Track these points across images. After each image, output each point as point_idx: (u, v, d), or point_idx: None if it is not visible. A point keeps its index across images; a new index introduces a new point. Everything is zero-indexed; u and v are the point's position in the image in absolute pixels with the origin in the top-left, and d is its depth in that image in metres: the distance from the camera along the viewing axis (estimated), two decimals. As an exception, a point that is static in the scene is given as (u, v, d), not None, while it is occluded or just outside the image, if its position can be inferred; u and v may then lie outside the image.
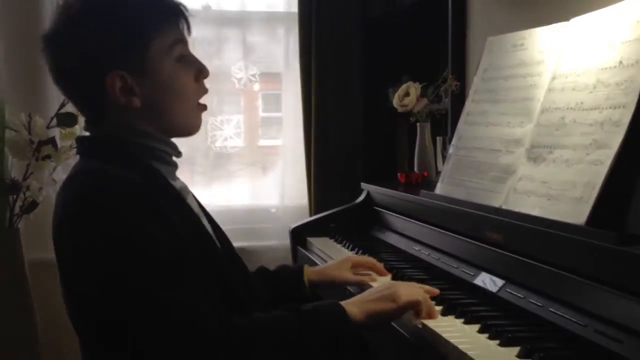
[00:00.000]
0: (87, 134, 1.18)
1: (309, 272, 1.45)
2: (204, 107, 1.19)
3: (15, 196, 2.27)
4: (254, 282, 1.29)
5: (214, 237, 1.20)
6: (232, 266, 1.20)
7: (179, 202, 1.15)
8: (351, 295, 1.25)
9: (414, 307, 1.15)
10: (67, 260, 1.05)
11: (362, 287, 1.43)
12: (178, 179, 1.22)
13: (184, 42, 1.15)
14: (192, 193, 1.25)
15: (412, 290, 1.17)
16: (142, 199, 1.03)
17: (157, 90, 1.11)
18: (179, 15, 1.14)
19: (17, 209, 2.28)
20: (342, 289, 1.49)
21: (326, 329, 1.05)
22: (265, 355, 1.01)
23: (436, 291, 1.27)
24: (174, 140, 1.20)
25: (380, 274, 1.50)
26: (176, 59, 1.13)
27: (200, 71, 1.17)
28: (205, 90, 1.19)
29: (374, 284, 1.41)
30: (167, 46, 1.11)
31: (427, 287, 1.27)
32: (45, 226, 2.49)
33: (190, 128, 1.19)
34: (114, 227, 0.99)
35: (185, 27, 1.16)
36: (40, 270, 2.46)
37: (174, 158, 1.20)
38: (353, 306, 1.10)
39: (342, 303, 1.10)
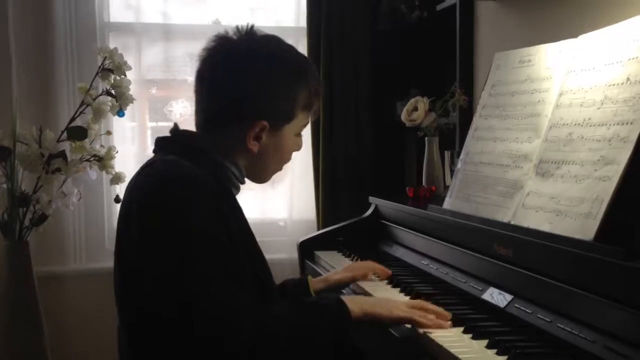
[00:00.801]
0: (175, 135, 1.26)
1: (313, 281, 1.54)
2: (277, 172, 1.35)
3: (25, 209, 2.29)
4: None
5: (259, 247, 1.29)
6: (270, 278, 1.28)
7: (239, 212, 1.24)
8: (340, 294, 1.38)
9: (408, 322, 1.21)
10: (130, 240, 1.10)
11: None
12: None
13: (311, 120, 1.34)
14: None
15: (411, 307, 1.23)
16: (211, 198, 1.11)
17: (273, 150, 1.26)
18: (317, 103, 1.30)
19: (26, 222, 2.30)
20: (340, 295, 1.54)
21: (327, 317, 1.14)
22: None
23: (447, 315, 1.26)
24: None
25: (382, 273, 1.62)
26: (297, 134, 1.30)
27: (298, 149, 1.33)
28: (288, 162, 1.34)
29: (369, 289, 1.48)
30: (301, 125, 1.29)
31: (435, 308, 1.26)
32: (54, 239, 2.54)
33: (263, 181, 1.34)
34: (179, 218, 1.06)
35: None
36: (49, 282, 2.48)
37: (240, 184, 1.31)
38: (354, 304, 1.18)
39: (344, 298, 1.20)
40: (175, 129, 1.27)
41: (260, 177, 1.32)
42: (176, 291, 1.02)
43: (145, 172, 1.16)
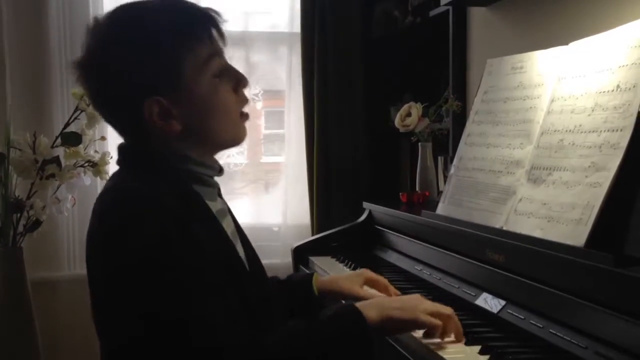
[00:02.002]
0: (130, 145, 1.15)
1: (318, 280, 1.44)
2: (246, 117, 1.16)
3: (18, 215, 2.29)
4: (277, 303, 1.29)
5: (244, 259, 1.17)
6: (256, 288, 1.17)
7: (214, 224, 1.12)
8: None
9: (431, 328, 1.13)
10: (97, 278, 1.05)
11: None
12: (219, 198, 1.21)
13: (218, 54, 1.10)
14: (231, 214, 1.24)
15: (434, 310, 1.13)
16: (173, 222, 1.00)
17: (197, 110, 1.08)
18: (210, 25, 1.08)
19: (20, 228, 2.30)
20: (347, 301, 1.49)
21: (342, 329, 1.04)
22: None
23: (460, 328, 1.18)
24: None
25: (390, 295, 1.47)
26: (213, 75, 1.09)
27: (239, 81, 1.13)
28: (246, 100, 1.15)
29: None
30: (201, 63, 1.07)
31: (450, 314, 1.18)
32: (48, 245, 2.54)
33: (236, 140, 1.16)
34: (141, 250, 0.97)
35: (218, 36, 1.10)
36: (43, 289, 2.48)
37: (215, 178, 1.18)
38: (372, 310, 1.07)
39: (360, 304, 1.09)
40: (126, 145, 1.15)
41: (223, 140, 1.14)
42: (160, 324, 0.95)
43: (103, 196, 1.07)
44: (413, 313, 1.11)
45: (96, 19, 1.10)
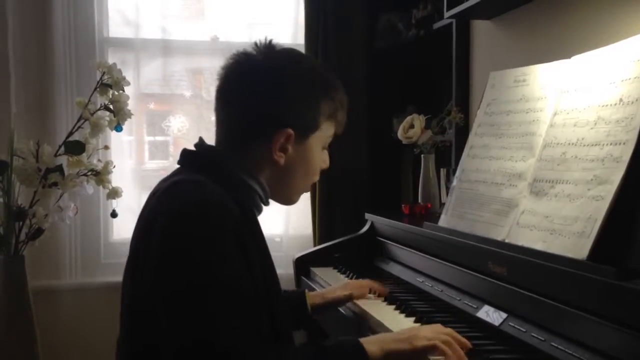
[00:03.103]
0: (199, 150, 1.23)
1: (310, 296, 1.55)
2: (308, 190, 1.33)
3: (21, 223, 2.29)
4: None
5: (278, 279, 1.24)
6: (282, 303, 1.24)
7: (261, 240, 1.20)
8: (337, 312, 1.28)
9: (431, 352, 1.14)
10: (147, 259, 1.06)
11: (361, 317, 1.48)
12: None
13: (337, 134, 1.29)
14: None
15: (433, 335, 1.16)
16: (236, 232, 1.07)
17: (300, 163, 1.23)
18: (344, 110, 1.28)
19: (22, 236, 2.30)
20: (337, 312, 1.58)
21: None
22: None
23: (467, 343, 1.19)
24: None
25: (380, 291, 1.62)
26: (324, 146, 1.27)
27: (324, 162, 1.30)
28: (316, 180, 1.31)
29: (388, 326, 1.40)
30: (328, 134, 1.26)
31: (457, 335, 1.19)
32: (50, 253, 2.54)
33: (290, 201, 1.30)
34: (201, 251, 1.02)
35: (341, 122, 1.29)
36: (44, 297, 2.48)
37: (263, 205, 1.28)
38: (373, 345, 1.12)
39: (362, 340, 1.13)
40: (201, 144, 1.24)
41: (287, 195, 1.28)
42: (191, 331, 0.98)
43: (171, 192, 1.10)
44: (410, 343, 1.14)
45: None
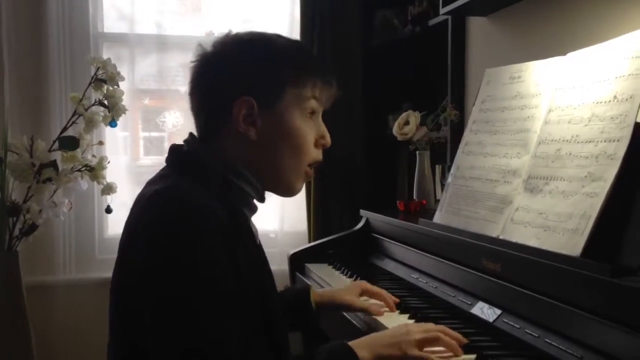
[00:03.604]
0: (185, 147, 1.18)
1: (315, 294, 1.47)
2: (310, 174, 1.20)
3: (15, 218, 2.28)
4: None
5: (274, 282, 1.19)
6: (280, 311, 1.19)
7: (254, 247, 1.15)
8: (350, 324, 1.21)
9: (425, 358, 1.13)
10: (132, 272, 1.04)
11: (367, 314, 1.44)
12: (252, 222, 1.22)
13: (320, 103, 1.18)
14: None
15: (425, 337, 1.14)
16: (223, 237, 1.02)
17: (277, 132, 1.13)
18: (322, 77, 1.18)
19: (16, 231, 2.29)
20: (341, 316, 1.50)
21: None
22: None
23: (462, 339, 1.18)
24: None
25: (388, 305, 1.48)
26: (306, 112, 1.15)
27: (323, 137, 1.19)
28: (319, 158, 1.20)
29: (383, 322, 1.39)
30: (301, 98, 1.14)
31: (450, 331, 1.19)
32: (44, 249, 2.53)
33: (291, 188, 1.19)
34: (186, 256, 0.98)
35: (326, 93, 1.19)
36: (38, 293, 2.47)
37: (257, 202, 1.20)
38: (364, 350, 1.09)
39: (353, 344, 1.10)
40: (189, 140, 1.19)
41: (283, 179, 1.16)
42: (172, 336, 0.96)
43: (154, 201, 1.05)
44: (401, 348, 1.11)
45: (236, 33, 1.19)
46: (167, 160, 1.18)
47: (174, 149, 1.19)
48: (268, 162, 1.15)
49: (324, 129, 1.20)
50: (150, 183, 1.13)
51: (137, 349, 1.04)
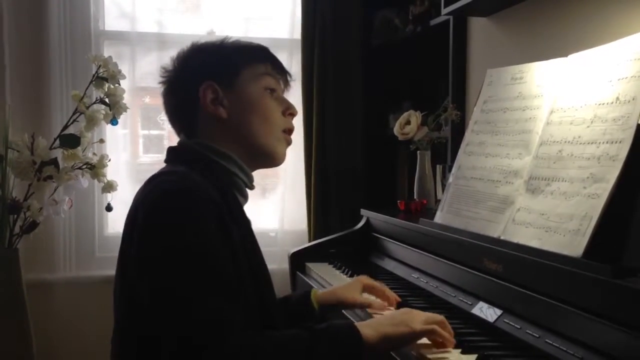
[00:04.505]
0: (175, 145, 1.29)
1: (317, 295, 1.48)
2: (289, 139, 1.31)
3: (15, 216, 2.28)
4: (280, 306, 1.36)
5: (266, 264, 1.26)
6: (271, 292, 1.26)
7: (246, 227, 1.22)
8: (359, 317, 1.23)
9: (429, 335, 1.15)
10: (131, 263, 1.09)
11: (367, 309, 1.45)
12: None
13: (274, 79, 1.29)
14: None
15: (427, 319, 1.16)
16: (214, 214, 1.08)
17: (243, 107, 1.25)
18: (270, 59, 1.30)
19: (17, 229, 2.29)
20: (350, 311, 1.50)
21: (339, 349, 1.05)
22: None
23: (450, 335, 1.19)
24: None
25: (390, 302, 1.49)
26: (264, 87, 1.27)
27: (288, 107, 1.31)
28: (290, 125, 1.31)
29: (368, 309, 1.41)
30: (256, 74, 1.27)
31: (443, 320, 1.20)
32: (44, 246, 2.53)
33: (273, 152, 1.28)
34: (180, 239, 1.03)
35: (277, 72, 1.30)
36: (38, 290, 2.47)
37: (247, 190, 1.29)
38: (368, 328, 1.10)
39: (357, 324, 1.11)
40: (183, 140, 1.29)
41: (263, 147, 1.26)
42: (174, 319, 0.99)
43: (152, 183, 1.14)
44: (407, 326, 1.13)
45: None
46: (166, 159, 1.28)
47: (171, 148, 1.29)
48: (244, 135, 1.25)
49: (288, 102, 1.32)
50: (149, 179, 1.18)
51: (142, 339, 1.06)
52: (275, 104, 1.29)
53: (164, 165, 1.26)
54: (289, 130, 1.31)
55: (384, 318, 1.18)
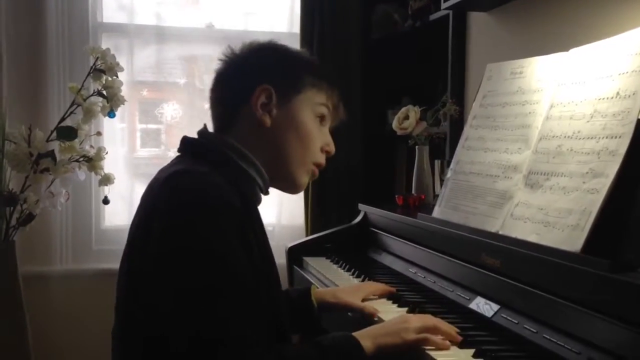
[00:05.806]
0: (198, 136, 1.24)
1: (317, 293, 1.48)
2: (316, 172, 1.27)
3: (12, 208, 2.28)
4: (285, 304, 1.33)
5: (277, 270, 1.24)
6: (282, 298, 1.24)
7: (262, 233, 1.19)
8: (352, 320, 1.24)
9: (422, 344, 1.16)
10: (147, 257, 1.04)
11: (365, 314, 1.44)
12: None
13: (329, 112, 1.27)
14: None
15: (422, 326, 1.18)
16: (237, 224, 1.05)
17: (289, 124, 1.21)
18: (338, 100, 1.29)
19: (13, 221, 2.28)
20: (344, 313, 1.49)
21: (340, 356, 1.10)
22: None
23: (456, 336, 1.19)
24: None
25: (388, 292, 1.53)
26: (317, 114, 1.24)
27: (328, 144, 1.27)
28: (322, 162, 1.27)
29: (381, 316, 1.39)
30: (316, 101, 1.24)
31: (445, 325, 1.21)
32: (40, 239, 2.53)
33: (295, 180, 1.25)
34: (203, 243, 1.01)
35: (334, 114, 1.29)
36: (34, 283, 2.47)
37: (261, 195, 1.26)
38: (366, 339, 1.13)
39: (356, 335, 1.14)
40: (203, 131, 1.24)
41: (289, 171, 1.23)
42: (189, 324, 0.97)
43: (171, 185, 1.07)
44: (400, 337, 1.16)
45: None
46: (180, 149, 1.22)
47: (186, 139, 1.22)
48: (277, 151, 1.21)
49: (329, 138, 1.28)
50: (163, 170, 1.15)
51: (148, 332, 1.04)
52: (320, 135, 1.25)
53: (163, 158, 1.23)
54: (319, 165, 1.27)
55: (380, 328, 1.20)
